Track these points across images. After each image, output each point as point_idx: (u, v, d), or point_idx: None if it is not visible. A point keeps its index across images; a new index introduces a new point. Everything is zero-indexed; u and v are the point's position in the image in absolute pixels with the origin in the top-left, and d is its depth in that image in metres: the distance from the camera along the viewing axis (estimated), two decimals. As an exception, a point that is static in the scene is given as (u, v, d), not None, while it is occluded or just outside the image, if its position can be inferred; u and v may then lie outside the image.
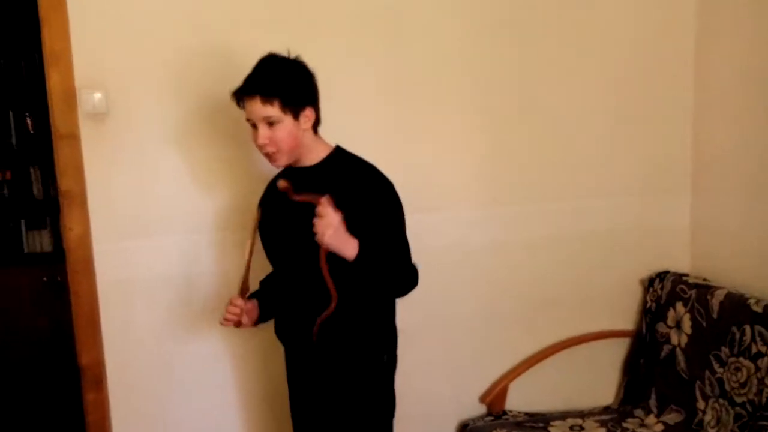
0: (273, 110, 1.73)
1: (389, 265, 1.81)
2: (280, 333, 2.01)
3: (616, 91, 2.70)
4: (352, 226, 1.70)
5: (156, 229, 2.28)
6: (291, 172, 1.87)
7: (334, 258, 1.70)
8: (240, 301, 1.87)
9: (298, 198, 1.73)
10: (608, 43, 2.67)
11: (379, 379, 1.97)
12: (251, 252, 1.86)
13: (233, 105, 2.14)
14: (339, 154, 1.89)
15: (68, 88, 2.13)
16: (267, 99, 1.73)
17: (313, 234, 1.65)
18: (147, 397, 2.35)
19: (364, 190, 1.83)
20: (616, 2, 2.65)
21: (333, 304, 1.77)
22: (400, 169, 2.46)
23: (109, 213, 2.23)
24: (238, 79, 2.22)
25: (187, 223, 2.29)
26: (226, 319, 1.87)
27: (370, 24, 2.40)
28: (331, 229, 1.64)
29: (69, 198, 2.19)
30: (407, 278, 1.86)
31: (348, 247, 1.69)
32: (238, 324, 1.89)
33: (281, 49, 1.81)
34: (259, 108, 1.73)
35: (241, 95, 1.76)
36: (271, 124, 1.75)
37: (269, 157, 1.80)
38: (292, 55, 1.81)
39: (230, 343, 2.38)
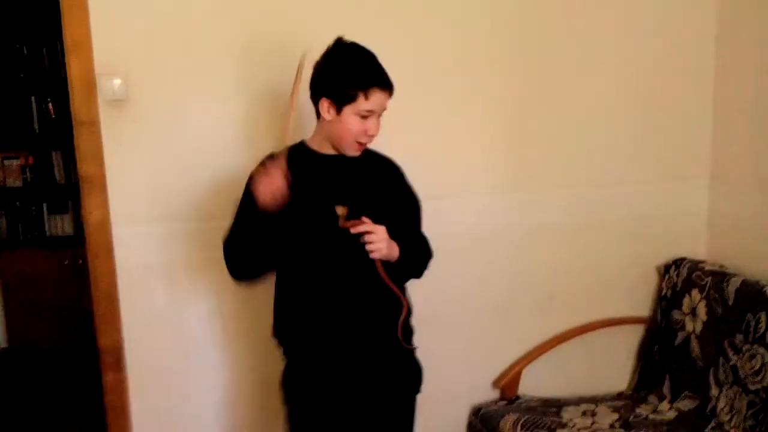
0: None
1: (420, 253, 1.98)
2: (327, 349, 1.89)
3: (635, 78, 2.68)
4: (390, 213, 1.84)
5: (174, 214, 2.31)
6: (335, 160, 1.86)
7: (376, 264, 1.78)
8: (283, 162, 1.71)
9: (349, 225, 1.74)
10: (627, 29, 2.64)
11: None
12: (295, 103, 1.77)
13: (251, 90, 2.17)
14: None
15: (88, 75, 2.16)
16: (392, 92, 1.81)
17: (361, 250, 1.73)
18: (165, 379, 2.39)
19: (398, 179, 1.98)
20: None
21: (406, 306, 1.89)
22: (414, 156, 2.46)
23: (128, 198, 2.26)
24: (256, 66, 2.27)
25: (205, 208, 2.31)
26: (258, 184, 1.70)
27: (382, 15, 2.40)
28: (385, 243, 1.75)
29: (89, 183, 2.22)
30: (428, 259, 2.01)
31: (395, 251, 1.81)
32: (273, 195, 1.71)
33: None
34: (386, 100, 1.80)
35: (378, 87, 1.76)
36: (380, 115, 1.81)
37: (362, 147, 1.84)
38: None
39: (249, 326, 2.41)
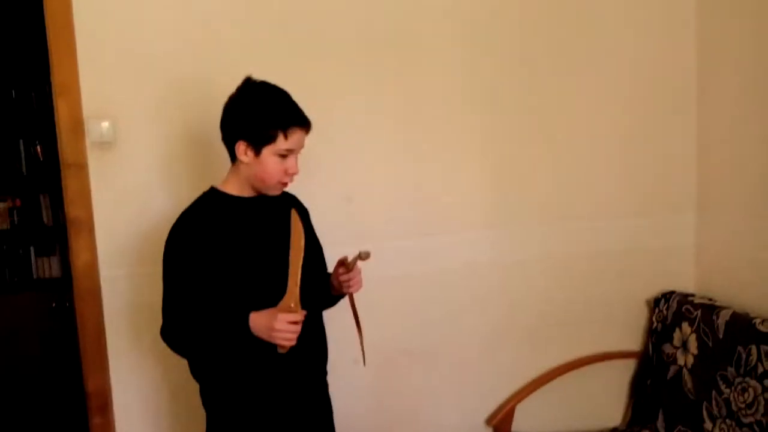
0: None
1: None
2: (280, 378, 1.83)
3: (619, 113, 2.73)
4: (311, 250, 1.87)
5: (162, 256, 2.29)
6: (257, 201, 1.83)
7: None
8: (303, 314, 1.68)
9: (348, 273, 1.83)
10: (611, 65, 2.69)
11: None
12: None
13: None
14: None
15: (76, 117, 2.17)
16: (309, 129, 1.79)
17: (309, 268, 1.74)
18: (152, 422, 2.36)
19: (307, 216, 1.99)
20: (620, 26, 2.69)
21: (363, 333, 1.89)
22: (409, 191, 2.50)
23: (116, 240, 2.25)
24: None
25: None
26: (290, 339, 1.65)
27: (378, 48, 2.44)
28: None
29: (76, 225, 2.21)
30: None
31: None
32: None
33: (286, 77, 1.82)
34: (304, 138, 1.78)
35: (297, 126, 1.73)
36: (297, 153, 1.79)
37: (284, 186, 1.81)
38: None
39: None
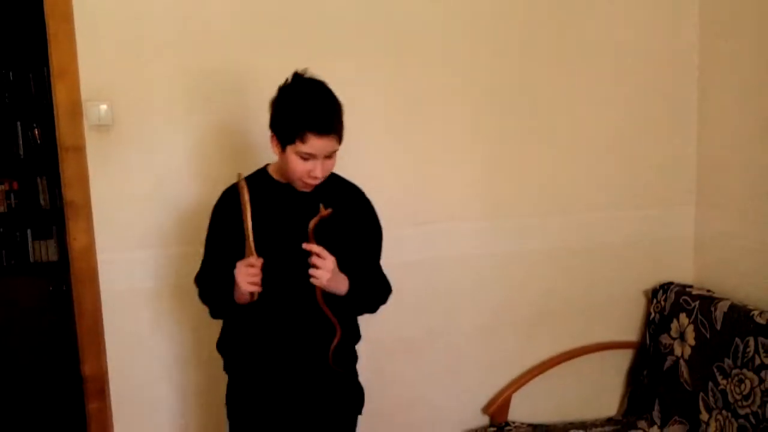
0: (336, 144, 1.74)
1: (372, 290, 1.92)
2: (259, 370, 1.90)
3: (619, 104, 2.71)
4: (346, 245, 1.81)
5: (159, 239, 2.29)
6: (288, 189, 1.84)
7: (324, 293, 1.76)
8: (260, 261, 1.71)
9: (310, 235, 1.71)
10: (611, 57, 2.67)
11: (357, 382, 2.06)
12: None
13: (235, 118, 2.17)
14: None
15: (74, 100, 2.15)
16: (338, 134, 1.74)
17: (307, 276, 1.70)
18: (150, 407, 2.36)
19: (357, 209, 1.92)
20: (620, 18, 2.67)
21: (339, 333, 1.82)
22: (404, 183, 2.50)
23: (113, 223, 2.25)
24: (241, 94, 2.28)
25: (190, 233, 2.30)
26: (252, 283, 1.70)
27: (375, 42, 2.42)
28: (330, 273, 1.70)
29: (74, 208, 2.21)
30: (383, 296, 1.97)
31: (342, 286, 1.77)
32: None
33: (291, 68, 1.79)
34: (331, 144, 1.72)
35: (313, 132, 1.68)
36: (329, 157, 1.75)
37: (309, 186, 1.79)
38: (317, 77, 1.78)
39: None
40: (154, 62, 2.22)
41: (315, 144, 1.69)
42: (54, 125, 2.21)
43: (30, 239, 4.28)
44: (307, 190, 1.81)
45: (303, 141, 1.68)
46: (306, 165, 1.72)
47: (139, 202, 2.26)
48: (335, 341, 1.82)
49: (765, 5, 2.44)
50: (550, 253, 2.71)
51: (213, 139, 2.31)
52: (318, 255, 1.69)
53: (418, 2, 2.45)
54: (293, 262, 1.73)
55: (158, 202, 2.28)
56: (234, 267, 1.73)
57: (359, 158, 2.44)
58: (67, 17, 2.12)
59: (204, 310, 2.32)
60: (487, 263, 2.64)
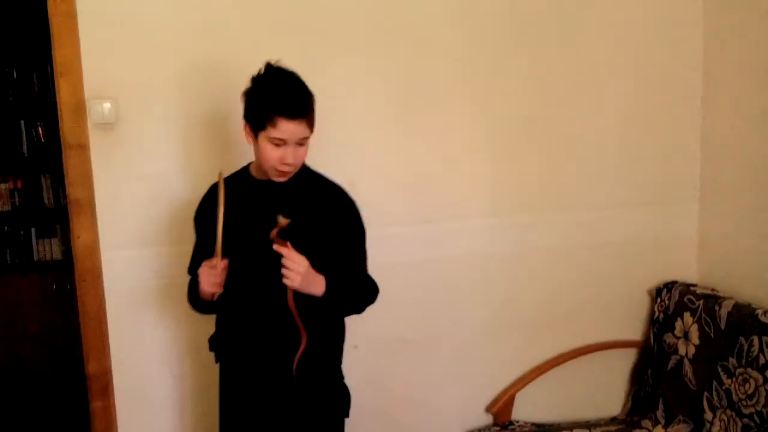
0: (307, 131, 1.75)
1: (355, 290, 1.89)
2: (240, 369, 1.94)
3: (623, 102, 2.71)
4: (324, 245, 1.80)
5: (163, 237, 2.29)
6: (265, 186, 1.84)
7: (300, 294, 1.73)
8: (223, 262, 1.76)
9: (276, 240, 1.69)
10: (617, 54, 2.67)
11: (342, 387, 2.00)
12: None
13: (239, 116, 2.16)
14: (305, 170, 1.89)
15: (78, 99, 2.15)
16: (309, 121, 1.75)
17: (280, 276, 1.68)
18: (154, 405, 2.36)
19: (337, 209, 1.89)
20: (626, 15, 2.66)
21: (304, 343, 1.78)
22: (411, 180, 2.50)
23: (117, 221, 2.25)
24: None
25: (193, 232, 2.30)
26: (212, 284, 1.77)
27: (380, 37, 2.42)
28: (301, 276, 1.68)
29: (77, 207, 2.21)
30: (369, 297, 1.93)
31: (317, 286, 1.74)
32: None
33: (289, 62, 1.81)
34: (301, 130, 1.73)
35: (283, 117, 1.69)
36: (300, 143, 1.76)
37: (283, 174, 1.79)
38: (289, 68, 1.79)
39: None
40: (158, 60, 2.22)
41: (286, 128, 1.70)
42: (57, 123, 2.21)
43: (34, 238, 4.27)
44: (282, 179, 1.80)
45: (274, 126, 1.70)
46: (278, 152, 1.73)
47: (143, 201, 2.26)
48: (300, 351, 1.78)
49: (770, 2, 2.44)
50: (554, 252, 2.71)
51: (217, 137, 2.30)
52: (288, 257, 1.68)
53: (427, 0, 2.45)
54: (267, 260, 1.71)
55: (162, 201, 2.28)
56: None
57: (363, 156, 2.45)
58: (71, 15, 2.12)
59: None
60: (491, 262, 2.64)
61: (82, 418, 2.43)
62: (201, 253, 1.89)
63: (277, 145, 1.73)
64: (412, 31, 2.45)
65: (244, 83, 2.27)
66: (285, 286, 1.70)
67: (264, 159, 1.76)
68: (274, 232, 1.68)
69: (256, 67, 2.26)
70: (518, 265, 2.67)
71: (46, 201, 4.27)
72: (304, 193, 1.85)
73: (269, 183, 1.83)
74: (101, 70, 2.17)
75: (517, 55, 2.57)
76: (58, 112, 2.18)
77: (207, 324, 2.36)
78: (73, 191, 2.20)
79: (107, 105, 2.16)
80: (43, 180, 4.25)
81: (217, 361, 2.01)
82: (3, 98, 4.16)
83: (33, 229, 4.27)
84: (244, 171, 1.93)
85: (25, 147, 4.24)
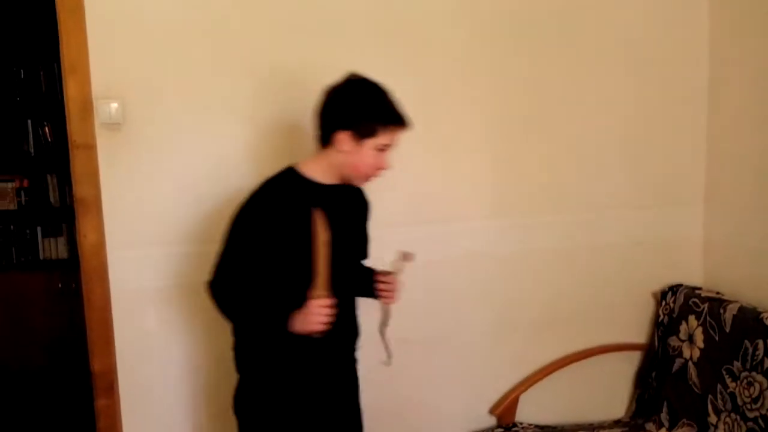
0: None
1: None
2: (312, 360, 1.91)
3: (628, 104, 2.71)
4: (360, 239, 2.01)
5: (170, 237, 2.30)
6: (336, 190, 1.90)
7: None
8: (333, 300, 1.79)
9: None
10: (621, 56, 2.67)
11: None
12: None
13: (247, 117, 2.18)
14: None
15: (85, 98, 2.16)
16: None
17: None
18: (158, 404, 2.36)
19: (369, 209, 2.08)
20: (630, 17, 2.66)
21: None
22: (414, 181, 2.49)
23: (123, 221, 2.25)
24: (251, 91, 2.29)
25: (199, 232, 2.31)
26: (323, 323, 1.77)
27: (383, 39, 2.42)
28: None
29: (84, 206, 2.21)
30: None
31: None
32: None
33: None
34: (399, 137, 1.85)
35: (400, 125, 1.82)
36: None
37: (370, 179, 1.89)
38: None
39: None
40: (166, 60, 2.23)
41: (396, 135, 1.83)
42: (64, 123, 2.22)
43: (40, 236, 4.30)
44: (364, 184, 1.93)
45: (387, 133, 1.80)
46: (380, 157, 1.83)
47: (150, 201, 2.27)
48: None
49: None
50: (558, 254, 2.71)
51: (224, 138, 2.31)
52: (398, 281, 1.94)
53: (428, 0, 2.45)
54: (340, 262, 1.82)
55: (169, 201, 2.29)
56: (283, 283, 1.81)
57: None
58: (79, 14, 2.13)
59: (206, 309, 2.34)
60: (495, 263, 2.64)
61: (86, 416, 2.44)
62: (259, 268, 1.81)
63: (381, 150, 1.81)
64: (414, 31, 2.45)
65: (254, 84, 2.30)
66: (349, 282, 1.89)
67: (364, 165, 1.82)
68: (395, 266, 1.93)
69: (267, 68, 2.30)
70: (521, 267, 2.68)
71: (52, 200, 4.30)
72: (356, 194, 2.00)
73: (339, 188, 1.89)
74: (109, 69, 2.18)
75: (519, 55, 2.57)
76: (66, 112, 2.19)
77: (213, 324, 2.37)
78: (80, 190, 2.21)
79: (114, 105, 2.17)
80: (49, 179, 4.28)
81: (240, 369, 1.97)
82: (10, 98, 4.18)
83: (39, 228, 4.29)
84: (296, 175, 1.87)
85: (31, 146, 4.26)
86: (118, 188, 2.24)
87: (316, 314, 1.75)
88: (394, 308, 2.02)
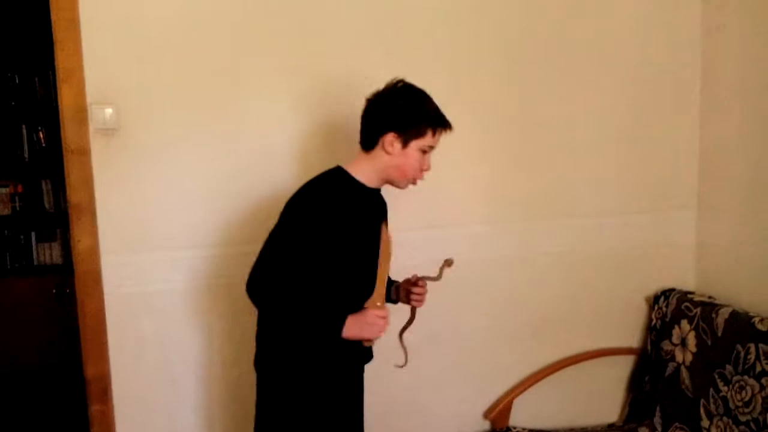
0: None
1: None
2: (352, 358, 1.98)
3: (622, 110, 2.72)
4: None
5: (164, 242, 2.30)
6: (376, 194, 1.96)
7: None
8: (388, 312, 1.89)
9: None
10: (614, 62, 2.69)
11: None
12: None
13: (240, 121, 2.18)
14: None
15: (79, 104, 2.16)
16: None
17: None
18: (152, 410, 2.36)
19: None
20: (623, 22, 2.68)
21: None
22: (412, 187, 2.49)
23: (118, 226, 2.25)
24: (245, 96, 2.29)
25: (193, 237, 2.31)
26: (379, 332, 1.87)
27: (377, 45, 2.43)
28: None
29: (78, 211, 2.21)
30: None
31: None
32: None
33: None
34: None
35: (445, 128, 1.89)
36: None
37: (414, 182, 1.94)
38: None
39: (238, 356, 2.39)
40: (161, 66, 2.23)
41: (439, 137, 1.89)
42: (59, 128, 2.22)
43: (34, 242, 4.29)
44: (406, 187, 1.96)
45: (434, 134, 1.87)
46: (424, 159, 1.89)
47: (145, 206, 2.27)
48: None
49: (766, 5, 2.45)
50: (552, 259, 2.72)
51: (219, 143, 2.32)
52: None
53: (421, 5, 2.46)
54: (373, 265, 1.90)
55: (164, 206, 2.29)
56: (335, 287, 1.83)
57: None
58: (73, 21, 2.13)
59: (207, 310, 2.34)
60: (488, 268, 2.65)
61: (81, 421, 2.43)
62: (310, 264, 1.80)
63: (425, 152, 1.88)
64: (408, 38, 2.46)
65: (246, 89, 2.30)
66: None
67: (410, 167, 1.88)
68: (439, 274, 1.98)
69: (258, 71, 2.30)
70: (516, 272, 2.69)
71: (46, 205, 4.29)
72: (382, 199, 2.04)
73: (377, 192, 1.96)
74: (104, 75, 2.18)
75: (514, 63, 2.58)
76: (60, 118, 2.19)
77: (208, 329, 2.38)
78: (74, 196, 2.21)
79: (109, 110, 2.17)
80: (43, 184, 4.27)
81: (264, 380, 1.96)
82: (5, 103, 4.18)
83: (33, 233, 4.28)
84: (346, 175, 1.89)
85: (26, 151, 4.26)
86: (113, 193, 2.24)
87: (375, 324, 1.83)
88: (393, 310, 2.03)
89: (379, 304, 1.88)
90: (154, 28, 2.22)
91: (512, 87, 2.59)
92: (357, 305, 1.86)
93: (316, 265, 1.79)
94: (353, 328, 1.80)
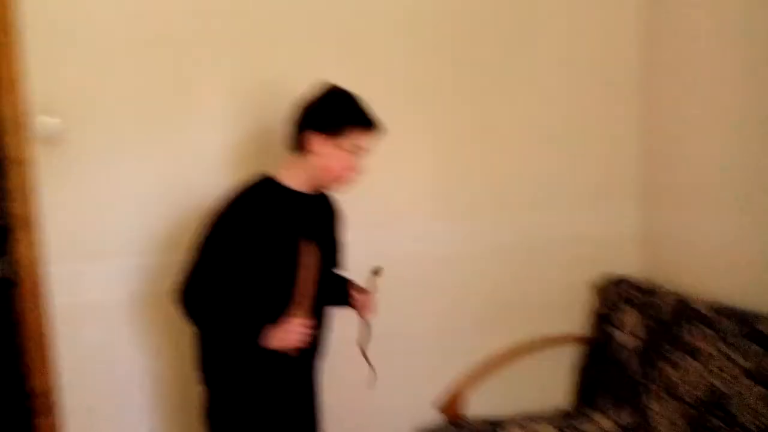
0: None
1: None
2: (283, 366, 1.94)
3: (564, 103, 2.77)
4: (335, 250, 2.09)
5: (108, 251, 2.26)
6: (309, 198, 1.94)
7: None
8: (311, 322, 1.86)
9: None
10: (553, 57, 2.74)
11: None
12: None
13: (184, 128, 2.15)
14: None
15: (20, 113, 2.11)
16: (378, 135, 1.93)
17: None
18: (100, 422, 2.32)
19: (338, 216, 2.13)
20: (560, 18, 2.73)
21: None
22: (359, 185, 2.49)
23: (62, 236, 2.21)
24: (192, 104, 2.27)
25: (138, 245, 2.28)
26: (301, 341, 1.84)
27: (319, 44, 2.43)
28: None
29: (20, 222, 2.16)
30: None
31: None
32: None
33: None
34: (371, 143, 1.91)
35: (367, 127, 1.87)
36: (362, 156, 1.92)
37: (345, 182, 1.92)
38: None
39: (184, 364, 2.36)
40: (108, 74, 2.20)
41: (367, 138, 1.88)
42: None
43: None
44: (340, 188, 1.95)
45: (360, 135, 1.85)
46: (351, 160, 1.87)
47: (89, 215, 2.23)
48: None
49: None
50: (500, 252, 2.76)
51: (165, 151, 2.29)
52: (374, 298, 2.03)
53: (362, 5, 2.47)
54: (317, 277, 1.90)
55: (108, 215, 2.25)
56: (258, 296, 1.82)
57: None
58: (12, 28, 2.07)
59: (154, 320, 2.30)
60: (436, 262, 2.68)
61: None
62: (231, 273, 1.80)
63: (352, 153, 1.85)
64: (355, 38, 2.47)
65: (193, 98, 2.27)
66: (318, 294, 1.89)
67: (335, 167, 1.86)
68: (369, 282, 1.99)
69: (208, 78, 2.28)
70: (463, 266, 2.72)
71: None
72: (328, 203, 2.05)
73: (311, 196, 1.93)
74: (49, 84, 2.14)
75: (457, 64, 2.61)
76: (0, 127, 2.13)
77: (158, 338, 2.34)
78: (16, 206, 2.16)
79: (54, 120, 2.13)
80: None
81: (209, 383, 1.96)
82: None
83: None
84: (273, 183, 1.89)
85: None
86: (58, 203, 2.19)
87: (295, 333, 1.80)
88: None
89: (301, 312, 1.83)
90: (99, 36, 2.18)
91: (456, 87, 2.62)
92: (280, 315, 1.83)
93: (235, 275, 1.80)
94: (273, 337, 1.79)
